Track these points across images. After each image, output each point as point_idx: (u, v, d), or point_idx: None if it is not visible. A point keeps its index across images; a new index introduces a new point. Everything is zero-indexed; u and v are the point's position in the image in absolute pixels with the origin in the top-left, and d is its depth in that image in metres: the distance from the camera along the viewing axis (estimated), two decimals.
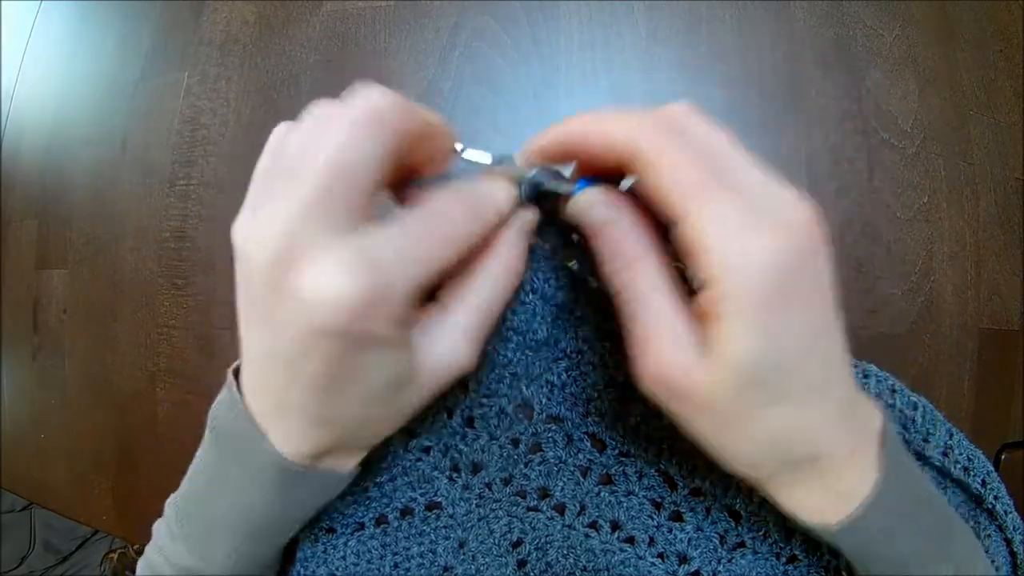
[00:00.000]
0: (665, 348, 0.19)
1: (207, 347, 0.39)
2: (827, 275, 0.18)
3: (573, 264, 0.26)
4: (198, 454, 0.24)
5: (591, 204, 0.22)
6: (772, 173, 0.19)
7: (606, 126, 0.19)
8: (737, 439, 0.20)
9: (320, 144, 0.18)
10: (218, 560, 0.23)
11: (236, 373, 0.22)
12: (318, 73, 0.38)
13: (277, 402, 0.20)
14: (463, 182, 0.22)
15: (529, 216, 0.23)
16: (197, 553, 0.23)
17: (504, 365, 0.27)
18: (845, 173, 0.34)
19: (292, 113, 0.32)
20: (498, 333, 0.26)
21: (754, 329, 0.17)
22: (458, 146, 0.22)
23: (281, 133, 0.20)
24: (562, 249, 0.26)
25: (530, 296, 0.26)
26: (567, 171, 0.23)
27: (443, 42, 0.36)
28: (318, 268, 0.17)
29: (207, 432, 0.24)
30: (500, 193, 0.21)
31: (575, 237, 0.25)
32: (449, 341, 0.21)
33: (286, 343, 0.18)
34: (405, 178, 0.22)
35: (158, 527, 0.25)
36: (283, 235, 0.17)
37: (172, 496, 0.25)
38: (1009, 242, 0.35)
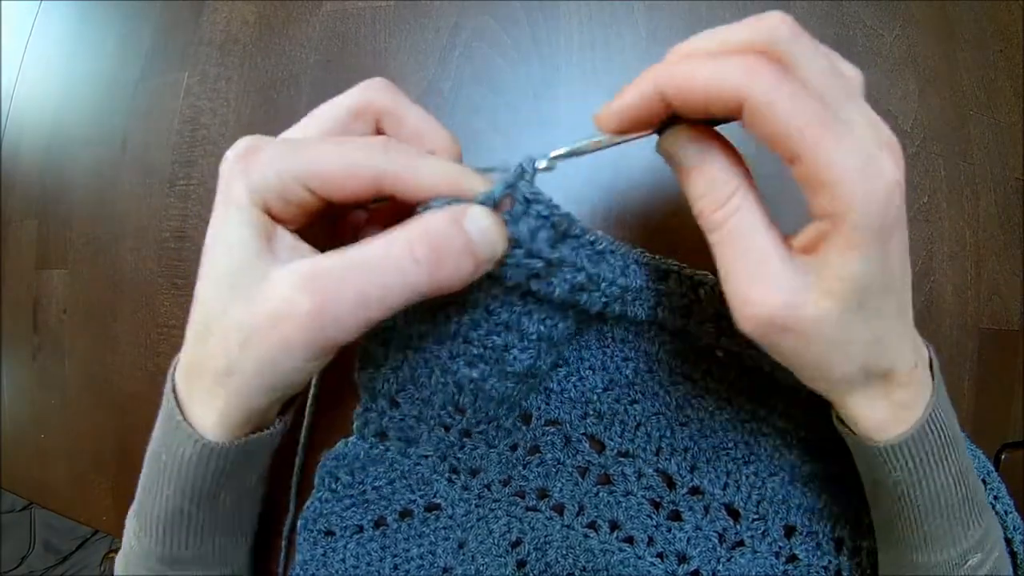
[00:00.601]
0: (774, 286, 0.19)
1: None
2: (905, 206, 0.20)
3: (578, 276, 0.24)
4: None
5: (684, 141, 0.21)
6: (862, 99, 0.20)
7: (708, 72, 0.18)
8: (838, 359, 0.21)
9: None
10: (174, 541, 0.24)
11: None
12: (318, 73, 0.38)
13: (201, 365, 0.22)
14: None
15: (493, 230, 0.21)
16: (152, 534, 0.24)
17: (503, 400, 0.27)
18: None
19: (292, 113, 0.32)
20: (498, 375, 0.26)
21: (872, 255, 0.18)
22: (539, 163, 0.21)
23: None
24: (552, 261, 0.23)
25: (535, 342, 0.25)
26: (543, 162, 0.22)
27: (443, 42, 0.36)
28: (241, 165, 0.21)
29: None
30: (431, 163, 0.21)
31: (564, 247, 0.23)
32: (297, 263, 0.20)
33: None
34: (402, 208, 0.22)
35: (128, 519, 0.26)
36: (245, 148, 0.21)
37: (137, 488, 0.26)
38: (1009, 242, 0.35)
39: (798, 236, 0.20)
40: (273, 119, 0.38)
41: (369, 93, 0.23)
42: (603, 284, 0.23)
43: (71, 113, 0.46)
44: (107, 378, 0.42)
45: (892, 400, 0.22)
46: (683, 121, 0.20)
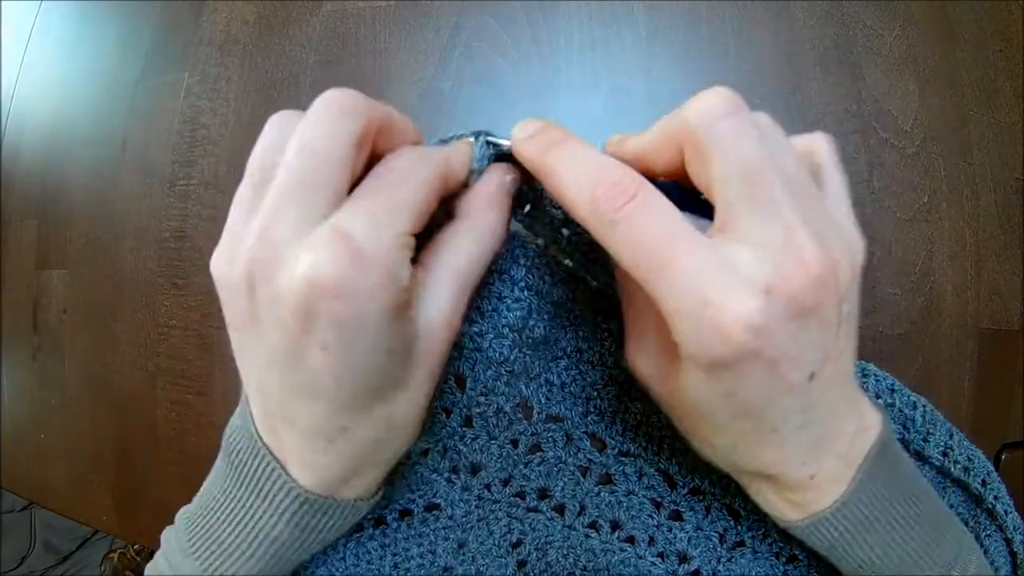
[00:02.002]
0: (639, 350, 0.21)
1: (207, 347, 0.39)
2: (814, 336, 0.17)
3: (567, 262, 0.26)
4: (213, 475, 0.24)
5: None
6: (796, 214, 0.17)
7: (560, 190, 0.19)
8: (695, 440, 0.22)
9: (289, 141, 0.18)
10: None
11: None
12: (318, 73, 0.38)
13: (286, 423, 0.19)
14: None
15: (506, 176, 0.23)
16: (208, 571, 0.22)
17: (500, 363, 0.27)
18: (845, 173, 0.34)
19: None
20: (494, 330, 0.26)
21: (706, 387, 0.18)
22: (479, 137, 0.23)
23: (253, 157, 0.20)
24: (553, 245, 0.26)
25: (525, 293, 0.26)
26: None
27: (443, 42, 0.36)
28: (297, 259, 0.16)
29: (222, 455, 0.23)
30: (448, 147, 0.22)
31: (566, 232, 0.25)
32: (436, 300, 0.20)
33: (278, 344, 0.17)
34: None
35: (167, 536, 0.24)
36: (257, 240, 0.17)
37: (184, 508, 0.24)
38: (1009, 242, 0.35)
39: None
40: None
41: (362, 120, 0.19)
42: (573, 231, 0.25)
43: (71, 113, 0.46)
44: (107, 378, 0.42)
45: (782, 496, 0.21)
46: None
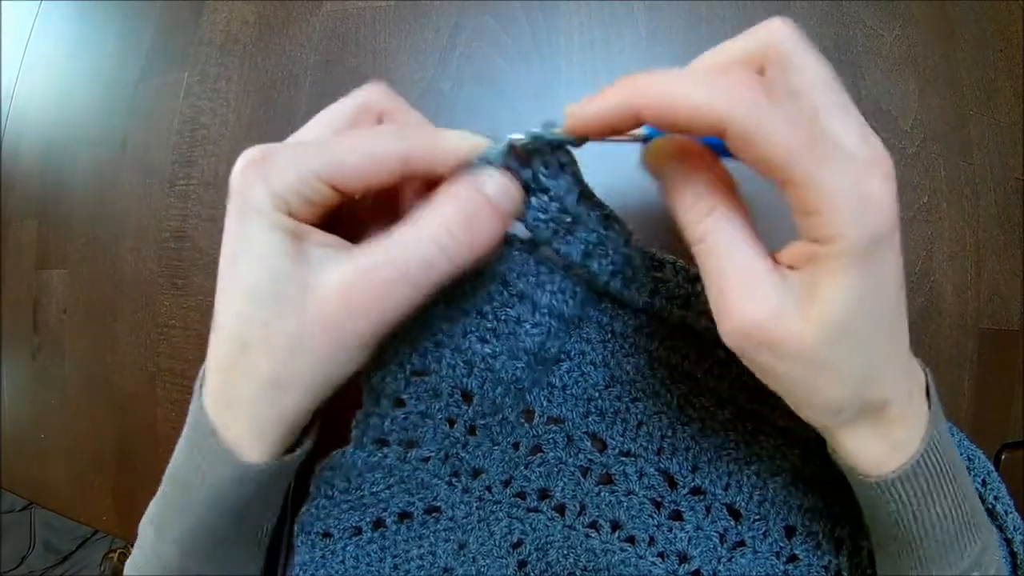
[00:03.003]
0: (756, 299, 0.19)
1: (207, 347, 0.38)
2: (898, 221, 0.19)
3: (578, 270, 0.25)
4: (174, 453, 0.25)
5: (665, 156, 0.21)
6: (855, 112, 0.19)
7: (686, 93, 0.17)
8: (827, 383, 0.20)
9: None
10: (196, 554, 0.23)
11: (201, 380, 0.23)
12: (318, 73, 0.38)
13: (241, 380, 0.21)
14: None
15: (508, 185, 0.22)
16: (172, 546, 0.23)
17: (511, 382, 0.27)
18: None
19: (292, 113, 0.32)
20: (508, 352, 0.26)
21: (862, 280, 0.18)
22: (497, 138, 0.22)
23: None
24: (559, 251, 0.25)
25: (546, 319, 0.26)
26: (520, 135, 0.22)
27: (443, 42, 0.36)
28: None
29: (184, 432, 0.24)
30: (448, 133, 0.22)
31: (571, 237, 0.25)
32: (339, 269, 0.20)
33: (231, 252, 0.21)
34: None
35: (143, 526, 0.25)
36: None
37: (155, 497, 0.25)
38: (1009, 242, 0.35)
39: (784, 251, 0.20)
40: (273, 119, 0.38)
41: (369, 96, 0.24)
42: (611, 249, 0.25)
43: (71, 113, 0.46)
44: (107, 378, 0.42)
45: (886, 436, 0.21)
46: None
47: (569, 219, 0.24)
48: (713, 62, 0.20)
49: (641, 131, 0.22)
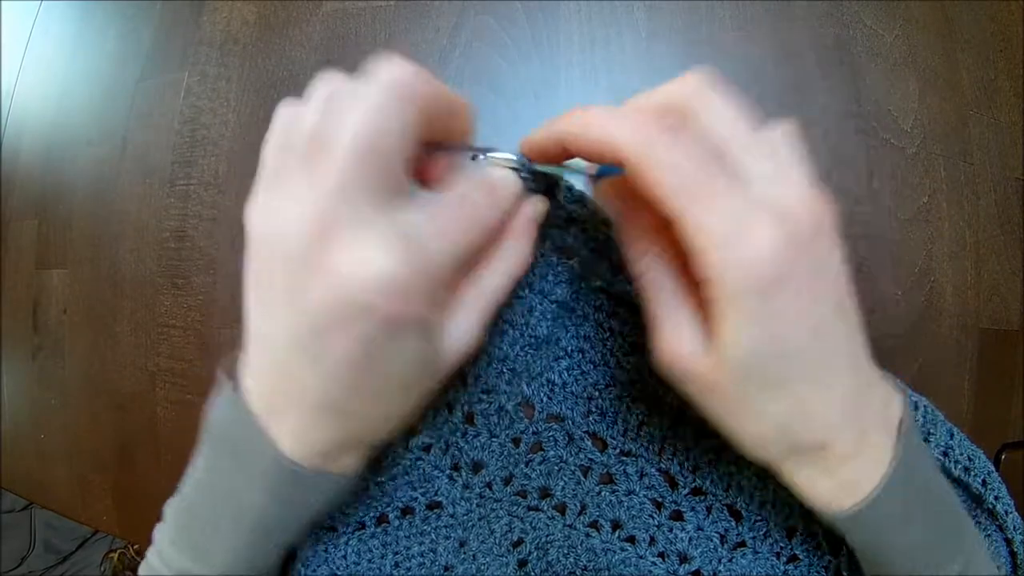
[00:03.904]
0: (674, 335, 0.20)
1: (207, 347, 0.39)
2: (831, 262, 0.19)
3: (574, 262, 0.26)
4: (194, 460, 0.24)
5: (607, 196, 0.22)
6: (784, 154, 0.19)
7: (596, 128, 0.19)
8: (744, 422, 0.20)
9: (346, 119, 0.17)
10: (217, 563, 0.22)
11: (229, 376, 0.21)
12: (318, 73, 0.38)
13: (290, 392, 0.19)
14: (474, 170, 0.22)
15: (540, 205, 0.24)
16: (196, 556, 0.23)
17: (501, 360, 0.27)
18: (845, 173, 0.34)
19: None
20: (495, 327, 0.26)
21: (752, 323, 0.17)
22: (488, 154, 0.22)
23: (291, 112, 0.19)
24: (562, 246, 0.26)
25: (527, 292, 0.26)
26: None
27: (443, 42, 0.36)
28: (360, 244, 0.17)
29: (203, 438, 0.23)
30: (512, 180, 0.22)
31: (573, 232, 0.25)
32: (465, 324, 0.21)
33: (318, 321, 0.17)
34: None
35: (158, 531, 0.24)
36: (316, 212, 0.17)
37: (170, 500, 0.24)
38: (1009, 242, 0.35)
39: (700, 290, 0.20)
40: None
41: (419, 104, 0.19)
42: (611, 248, 0.25)
43: (71, 113, 0.46)
44: (107, 378, 0.42)
45: (832, 475, 0.20)
46: None
47: (567, 216, 0.24)
48: (637, 105, 0.20)
49: (594, 167, 0.23)
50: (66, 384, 0.44)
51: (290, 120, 0.19)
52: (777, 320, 0.18)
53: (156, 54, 0.42)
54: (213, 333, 0.38)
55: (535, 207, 0.23)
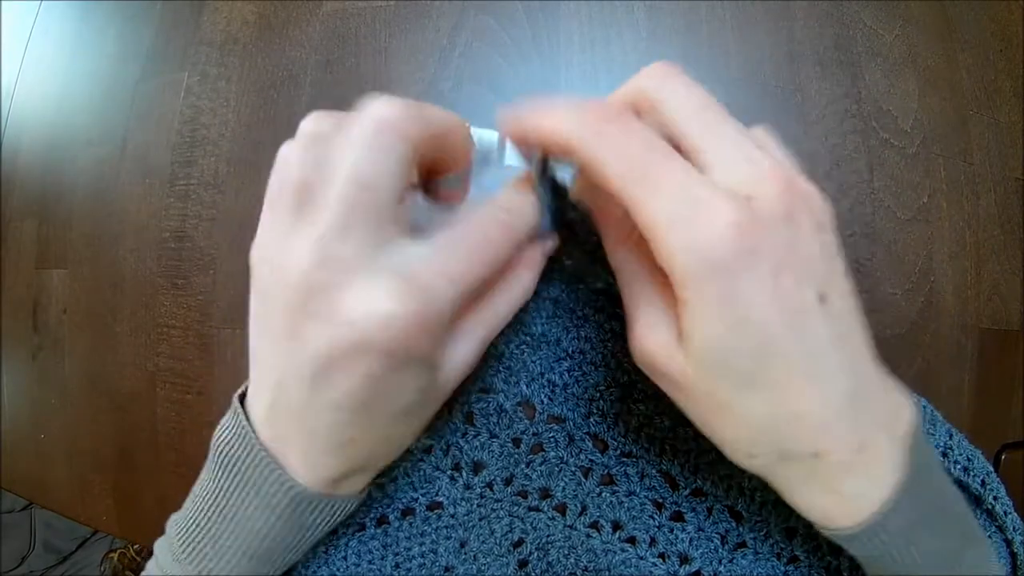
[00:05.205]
0: (650, 332, 0.19)
1: (207, 347, 0.39)
2: (810, 249, 0.17)
3: (568, 261, 0.26)
4: (201, 479, 0.23)
5: (583, 191, 0.22)
6: (754, 140, 0.18)
7: (546, 122, 0.19)
8: (723, 424, 0.19)
9: (337, 163, 0.18)
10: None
11: (242, 399, 0.22)
12: (318, 73, 0.38)
13: (298, 426, 0.20)
14: (493, 193, 0.22)
15: (550, 243, 0.23)
16: (199, 572, 0.22)
17: (497, 357, 0.27)
18: (845, 173, 0.34)
19: (292, 113, 0.32)
20: None
21: (712, 310, 0.17)
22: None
23: (285, 155, 0.19)
24: (559, 245, 0.26)
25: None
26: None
27: (443, 42, 0.36)
28: (360, 286, 0.17)
29: (210, 458, 0.23)
30: (529, 209, 0.21)
31: (567, 231, 0.25)
32: (464, 351, 0.21)
33: (320, 361, 0.18)
34: (431, 172, 0.22)
35: (159, 545, 0.24)
36: (316, 257, 0.17)
37: (174, 516, 0.24)
38: (1009, 242, 0.35)
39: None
40: (273, 119, 0.38)
41: (413, 141, 0.19)
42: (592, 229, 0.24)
43: (71, 113, 0.46)
44: (107, 378, 0.42)
45: (833, 488, 0.19)
46: None
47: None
48: (606, 100, 0.20)
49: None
50: (66, 384, 0.44)
51: (284, 162, 0.19)
52: (740, 307, 0.16)
53: (156, 54, 0.42)
54: (213, 333, 0.38)
55: (549, 244, 0.23)
